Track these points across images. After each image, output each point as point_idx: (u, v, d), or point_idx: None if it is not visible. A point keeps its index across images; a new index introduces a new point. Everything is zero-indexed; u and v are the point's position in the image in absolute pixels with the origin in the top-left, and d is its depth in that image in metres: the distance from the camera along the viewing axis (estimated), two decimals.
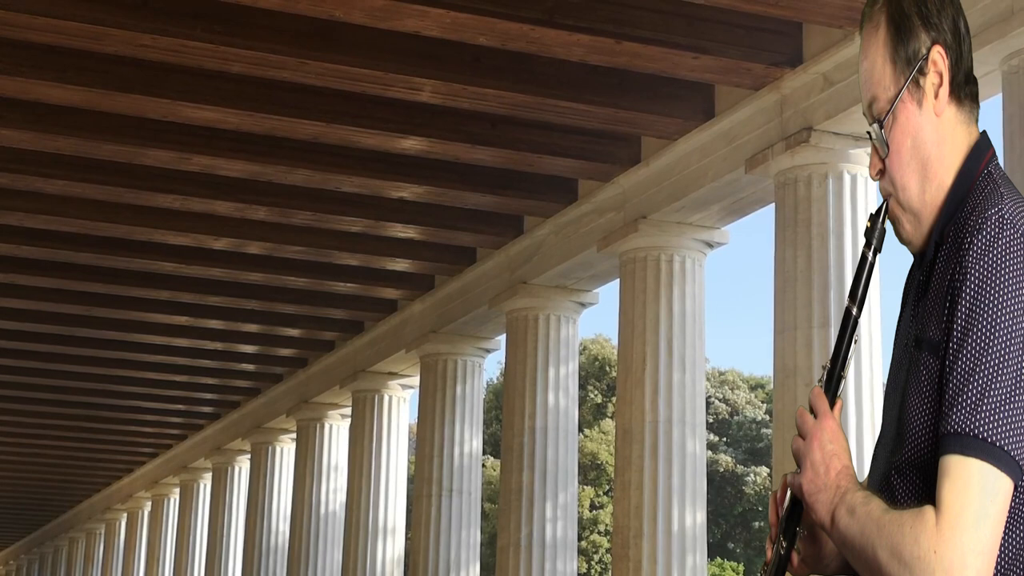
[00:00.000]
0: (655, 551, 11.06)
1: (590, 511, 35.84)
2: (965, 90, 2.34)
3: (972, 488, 2.06)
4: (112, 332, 17.52)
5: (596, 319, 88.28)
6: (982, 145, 2.34)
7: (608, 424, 35.89)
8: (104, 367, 19.37)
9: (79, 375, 19.90)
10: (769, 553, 2.40)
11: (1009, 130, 8.29)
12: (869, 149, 2.41)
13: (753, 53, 9.83)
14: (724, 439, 38.59)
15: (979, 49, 8.10)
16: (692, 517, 11.23)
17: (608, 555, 33.98)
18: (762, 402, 39.17)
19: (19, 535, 40.74)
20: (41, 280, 15.47)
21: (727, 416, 39.19)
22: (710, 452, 37.50)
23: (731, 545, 37.54)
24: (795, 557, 2.39)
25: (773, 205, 10.39)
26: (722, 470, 37.52)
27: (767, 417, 37.76)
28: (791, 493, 2.34)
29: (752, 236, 68.34)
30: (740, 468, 37.74)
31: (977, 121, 2.36)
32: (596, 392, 38.19)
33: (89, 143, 11.50)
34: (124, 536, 29.56)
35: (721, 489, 37.36)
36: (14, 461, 27.41)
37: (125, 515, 29.45)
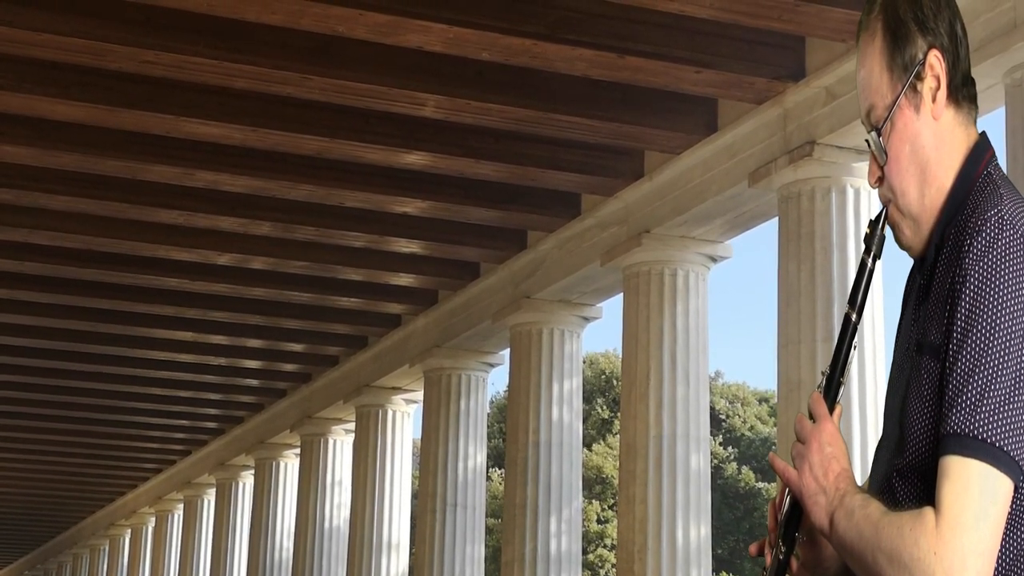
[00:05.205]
0: (659, 565, 11.05)
1: (597, 525, 35.78)
2: (963, 92, 2.34)
3: (972, 489, 2.05)
4: (116, 348, 17.52)
5: (606, 332, 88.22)
6: (981, 146, 2.34)
7: (614, 439, 35.83)
8: (108, 383, 19.37)
9: (83, 391, 19.90)
10: (768, 558, 2.40)
11: (1012, 143, 8.28)
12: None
13: (756, 67, 9.83)
14: (735, 452, 38.50)
15: (982, 62, 8.10)
16: (696, 531, 11.22)
17: (615, 569, 33.89)
18: (768, 415, 39.08)
19: (23, 551, 40.71)
20: (45, 296, 15.48)
21: (746, 432, 39.10)
22: (731, 467, 37.47)
23: (739, 562, 37.46)
24: (794, 562, 2.38)
25: (776, 219, 10.39)
26: (741, 484, 37.43)
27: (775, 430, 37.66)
28: (790, 497, 2.33)
29: (759, 249, 68.27)
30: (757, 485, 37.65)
31: (976, 122, 2.36)
32: (603, 407, 38.11)
33: (93, 159, 11.52)
34: (128, 552, 29.54)
35: (733, 505, 37.28)
36: (18, 476, 27.40)
37: (129, 531, 29.44)
